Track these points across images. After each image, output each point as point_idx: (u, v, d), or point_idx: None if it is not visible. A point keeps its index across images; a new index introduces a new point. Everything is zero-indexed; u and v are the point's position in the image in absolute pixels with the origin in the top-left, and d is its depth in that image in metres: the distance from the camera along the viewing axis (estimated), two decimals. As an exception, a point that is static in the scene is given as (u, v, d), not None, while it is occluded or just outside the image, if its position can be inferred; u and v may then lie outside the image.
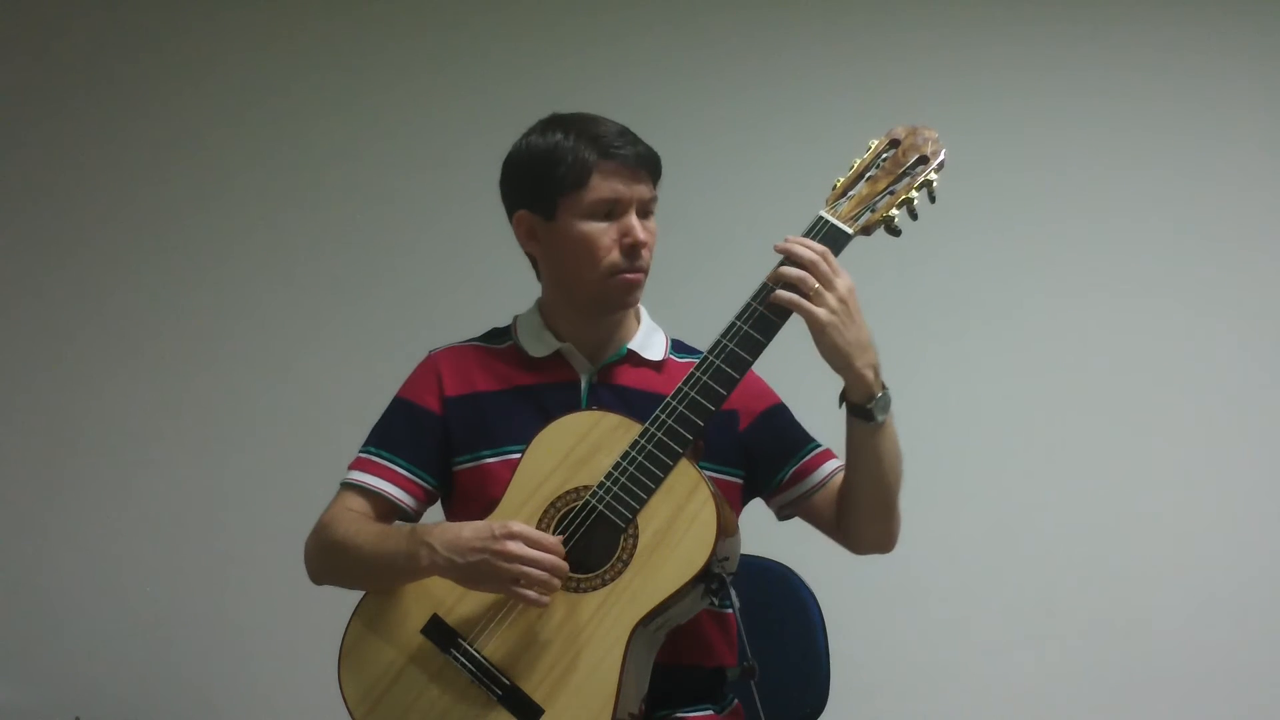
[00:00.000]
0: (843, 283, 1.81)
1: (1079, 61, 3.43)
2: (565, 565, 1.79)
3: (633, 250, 1.93)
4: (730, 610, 2.00)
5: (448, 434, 2.00)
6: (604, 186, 1.92)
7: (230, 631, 3.33)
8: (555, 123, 1.98)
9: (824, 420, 1.99)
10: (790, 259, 1.81)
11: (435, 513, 2.08)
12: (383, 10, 3.53)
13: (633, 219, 1.93)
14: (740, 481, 2.02)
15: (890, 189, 1.87)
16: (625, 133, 1.95)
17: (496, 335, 2.08)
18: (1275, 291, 3.39)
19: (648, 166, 1.95)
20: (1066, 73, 3.43)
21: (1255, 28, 3.41)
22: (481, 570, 1.80)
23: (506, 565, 1.77)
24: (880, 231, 1.87)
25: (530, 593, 1.78)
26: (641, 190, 1.94)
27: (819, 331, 1.80)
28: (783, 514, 2.07)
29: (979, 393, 3.36)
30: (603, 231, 1.92)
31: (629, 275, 1.95)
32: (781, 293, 1.80)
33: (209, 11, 3.53)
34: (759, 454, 2.02)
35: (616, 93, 3.32)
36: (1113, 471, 3.32)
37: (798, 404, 2.09)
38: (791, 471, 2.02)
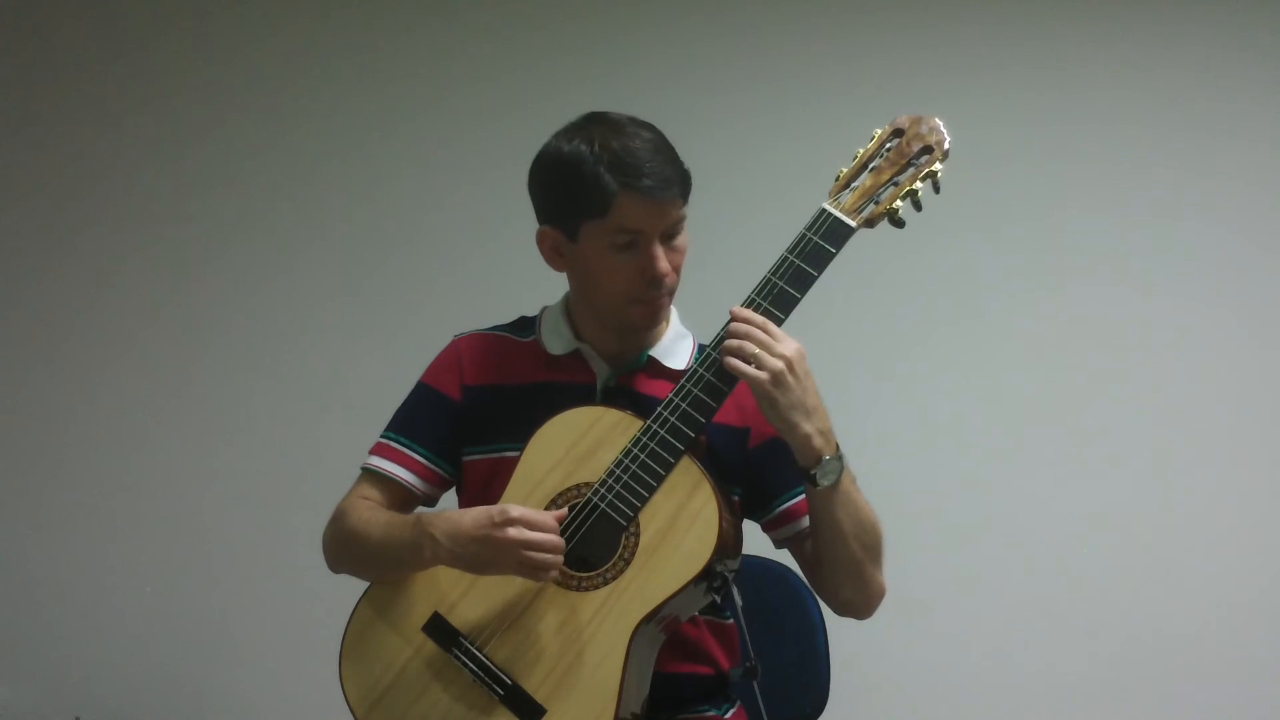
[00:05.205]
0: (789, 345, 1.79)
1: (1086, 56, 3.42)
2: (562, 542, 1.78)
3: (654, 281, 1.89)
4: (730, 620, 2.00)
5: (463, 422, 1.99)
6: (626, 216, 1.85)
7: (230, 631, 3.33)
8: (584, 129, 1.89)
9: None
10: (736, 322, 1.80)
11: (450, 499, 2.07)
12: (382, 6, 3.51)
13: (655, 250, 1.87)
14: (737, 500, 1.97)
15: (894, 180, 1.84)
16: (654, 152, 1.86)
17: (523, 326, 2.06)
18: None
19: (674, 191, 1.86)
20: (1073, 67, 3.42)
21: (1267, 25, 3.38)
22: (483, 557, 1.79)
23: (508, 551, 1.77)
24: (884, 224, 1.85)
25: (535, 570, 1.78)
26: (667, 217, 1.88)
27: (758, 394, 1.79)
28: (778, 546, 2.03)
29: (983, 391, 3.34)
30: (624, 263, 1.88)
31: (650, 304, 1.93)
32: (729, 357, 1.79)
33: (209, 8, 3.52)
34: (760, 478, 1.96)
35: (617, 88, 3.28)
36: (1117, 473, 3.31)
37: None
38: (782, 509, 1.97)
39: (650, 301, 1.92)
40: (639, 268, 1.88)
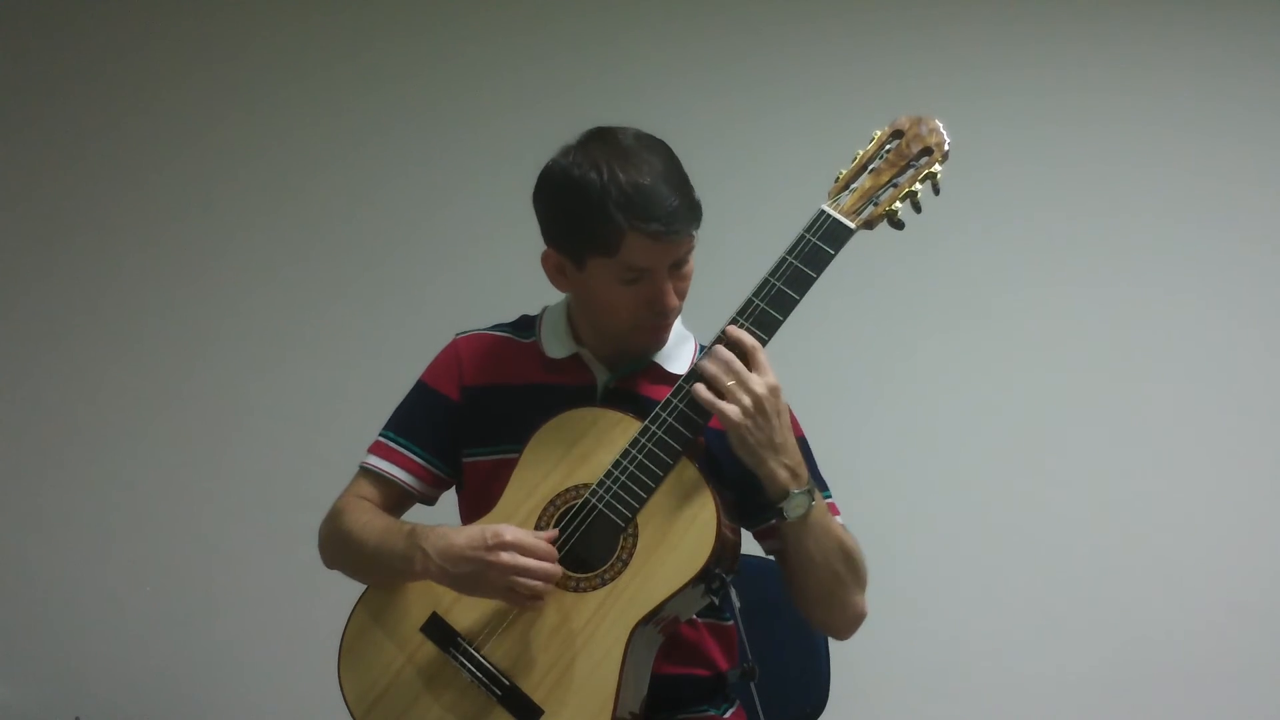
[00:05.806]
0: (763, 381, 1.78)
1: (1086, 56, 3.41)
2: (558, 571, 1.79)
3: (661, 312, 1.89)
4: (730, 621, 1.99)
5: (462, 422, 1.99)
6: (635, 255, 1.82)
7: (230, 631, 3.33)
8: (591, 153, 1.84)
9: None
10: (719, 352, 1.79)
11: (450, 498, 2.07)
12: (382, 7, 3.51)
13: (663, 285, 1.86)
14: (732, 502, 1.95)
15: (893, 181, 1.84)
16: (663, 184, 1.81)
17: (524, 326, 2.04)
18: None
19: (684, 231, 1.83)
20: (1073, 67, 3.41)
21: (1267, 25, 3.37)
22: (474, 579, 1.80)
23: (499, 575, 1.77)
24: (883, 225, 1.84)
25: (524, 598, 1.78)
26: (675, 254, 1.85)
27: (727, 427, 1.78)
28: (766, 553, 2.00)
29: (983, 392, 3.34)
30: (631, 295, 1.86)
31: (655, 330, 1.93)
32: (699, 388, 1.78)
33: (209, 8, 3.52)
34: (754, 485, 1.86)
35: (617, 89, 3.32)
36: (1117, 472, 3.30)
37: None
38: (773, 521, 1.88)
39: (655, 329, 1.92)
40: (646, 299, 1.87)
